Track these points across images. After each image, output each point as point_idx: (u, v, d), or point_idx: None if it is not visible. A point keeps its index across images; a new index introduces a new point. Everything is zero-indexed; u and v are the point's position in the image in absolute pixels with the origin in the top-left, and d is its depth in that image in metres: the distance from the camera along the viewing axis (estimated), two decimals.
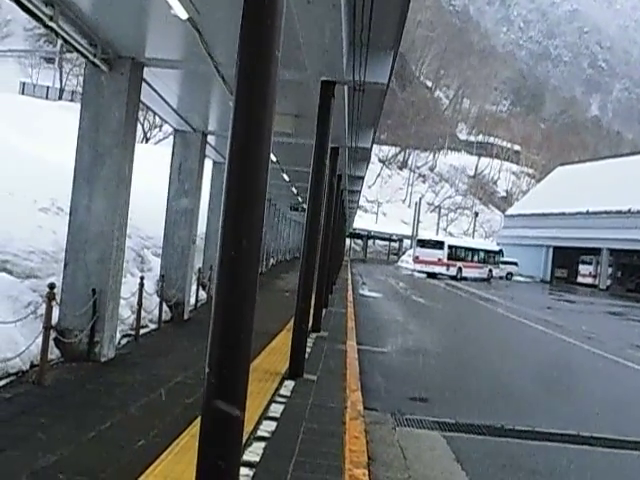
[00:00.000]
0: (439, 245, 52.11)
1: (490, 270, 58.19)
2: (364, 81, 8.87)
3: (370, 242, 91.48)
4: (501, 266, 65.22)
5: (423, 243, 53.56)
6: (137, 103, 9.30)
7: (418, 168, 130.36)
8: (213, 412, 3.75)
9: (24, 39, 68.60)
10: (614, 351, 16.45)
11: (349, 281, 32.94)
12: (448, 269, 51.23)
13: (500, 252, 61.81)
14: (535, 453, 7.26)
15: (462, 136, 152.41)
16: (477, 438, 7.55)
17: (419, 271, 52.34)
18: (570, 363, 14.96)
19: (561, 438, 7.81)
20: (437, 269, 51.07)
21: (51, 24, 7.01)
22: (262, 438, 5.98)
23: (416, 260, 53.09)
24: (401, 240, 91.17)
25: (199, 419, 3.84)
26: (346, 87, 9.68)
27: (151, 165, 22.98)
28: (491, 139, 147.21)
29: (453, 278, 50.67)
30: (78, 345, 8.35)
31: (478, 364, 13.53)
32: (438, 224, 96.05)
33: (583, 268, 64.42)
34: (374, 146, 19.02)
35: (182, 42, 8.59)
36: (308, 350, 10.24)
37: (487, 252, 59.17)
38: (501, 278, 62.85)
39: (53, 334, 7.63)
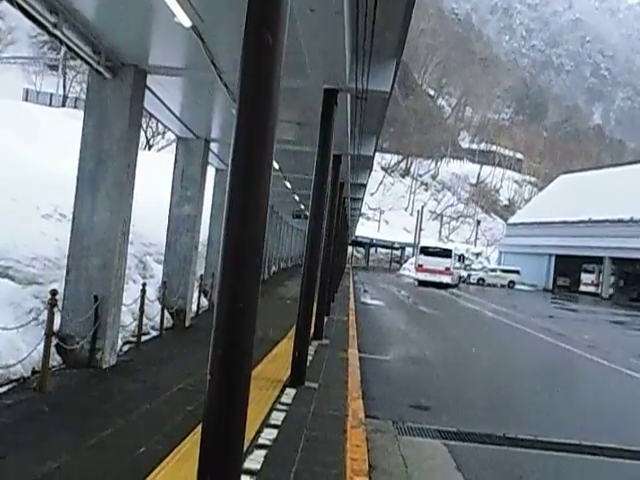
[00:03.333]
0: (446, 253, 47.44)
1: (460, 276, 55.83)
2: (367, 89, 8.88)
3: (372, 250, 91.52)
4: (502, 274, 65.18)
5: (427, 251, 47.94)
6: (140, 110, 9.34)
7: (420, 176, 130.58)
8: (214, 419, 3.75)
9: (28, 46, 68.98)
10: (618, 361, 16.36)
11: (351, 289, 32.87)
12: (452, 278, 47.86)
13: (462, 256, 60.89)
14: (538, 462, 7.23)
15: (464, 144, 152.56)
16: (479, 447, 7.51)
17: (422, 280, 46.86)
18: (574, 372, 14.93)
19: (564, 447, 7.75)
20: (444, 279, 46.44)
21: (55, 31, 7.03)
22: (263, 446, 5.96)
23: (419, 269, 47.95)
24: (403, 248, 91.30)
25: (200, 426, 3.84)
26: (349, 95, 9.70)
27: (154, 172, 23.00)
28: (493, 147, 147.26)
29: (448, 286, 46.98)
30: (80, 352, 8.35)
31: (480, 372, 13.49)
32: (440, 232, 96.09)
33: (585, 277, 64.21)
34: (376, 154, 19.04)
35: (185, 50, 8.62)
36: (310, 358, 10.20)
37: (457, 257, 56.02)
38: (503, 286, 62.76)
39: (55, 341, 7.62)
